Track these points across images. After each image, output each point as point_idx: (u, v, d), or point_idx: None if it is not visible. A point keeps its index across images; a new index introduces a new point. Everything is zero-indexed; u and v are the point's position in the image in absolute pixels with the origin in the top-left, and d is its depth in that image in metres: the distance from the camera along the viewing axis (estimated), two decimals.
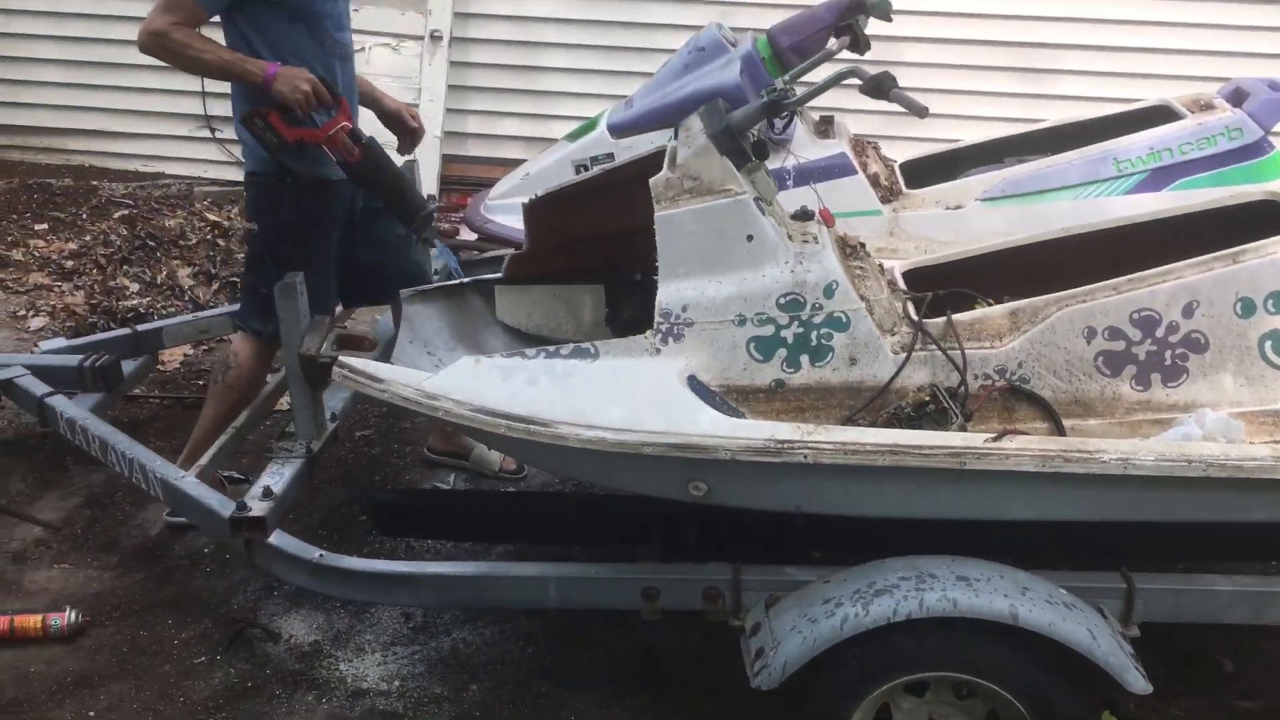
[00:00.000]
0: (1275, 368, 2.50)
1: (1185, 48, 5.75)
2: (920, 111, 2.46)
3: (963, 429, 2.45)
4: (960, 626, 2.29)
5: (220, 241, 5.64)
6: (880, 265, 2.85)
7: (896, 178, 3.89)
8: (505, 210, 4.04)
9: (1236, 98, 3.78)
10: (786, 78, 2.68)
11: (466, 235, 4.29)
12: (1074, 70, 5.87)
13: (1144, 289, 2.51)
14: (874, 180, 3.81)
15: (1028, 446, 2.33)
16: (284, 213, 3.24)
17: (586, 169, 3.87)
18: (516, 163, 5.26)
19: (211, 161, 6.50)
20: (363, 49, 5.50)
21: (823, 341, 2.53)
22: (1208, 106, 3.77)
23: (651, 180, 2.59)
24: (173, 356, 4.70)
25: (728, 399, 2.54)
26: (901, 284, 2.83)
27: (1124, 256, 2.93)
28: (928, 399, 2.50)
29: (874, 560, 2.45)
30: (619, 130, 3.98)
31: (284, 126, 3.09)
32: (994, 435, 2.36)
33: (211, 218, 5.85)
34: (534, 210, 2.98)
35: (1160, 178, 3.64)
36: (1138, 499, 2.35)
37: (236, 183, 5.47)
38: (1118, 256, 2.94)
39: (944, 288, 2.75)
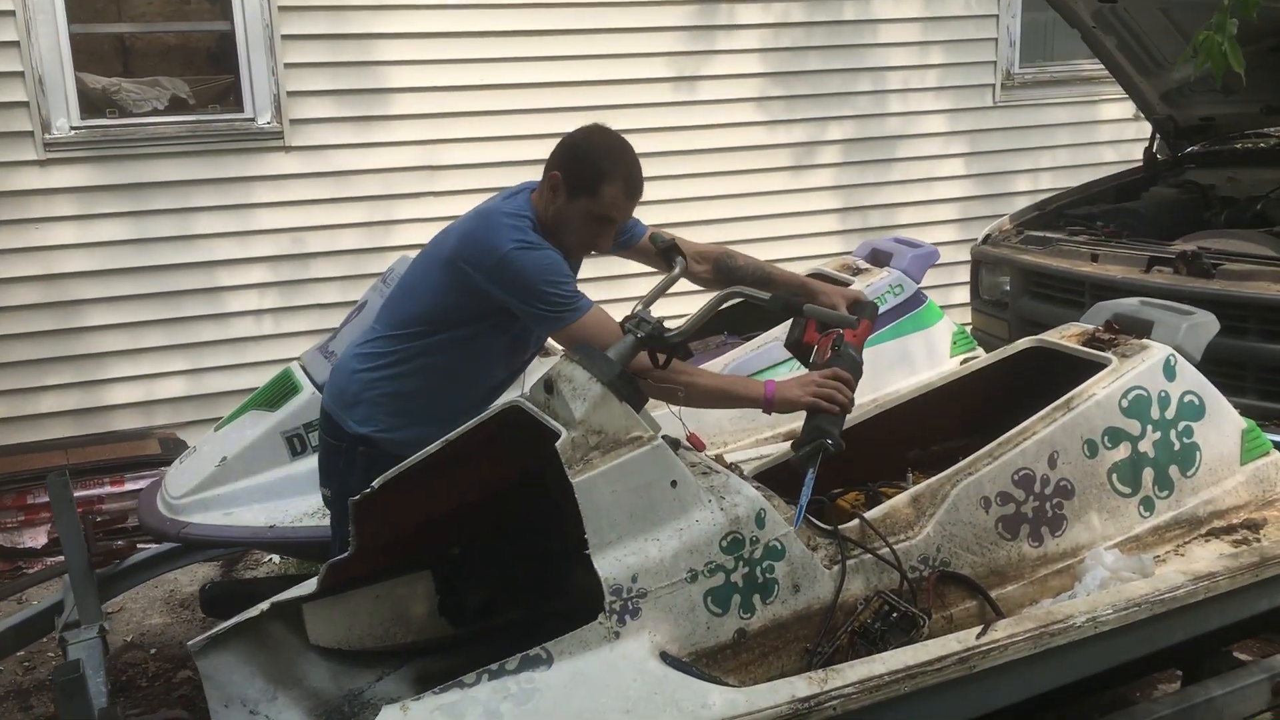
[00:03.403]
0: (1123, 496, 2.74)
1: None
2: (853, 323, 2.41)
3: (929, 628, 2.38)
4: None
5: None
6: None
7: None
8: (202, 508, 3.33)
9: (876, 258, 4.19)
10: (640, 306, 2.51)
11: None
12: None
13: (1014, 450, 2.63)
14: None
15: (1015, 632, 2.32)
16: None
17: (303, 440, 3.32)
18: (62, 444, 4.44)
19: None
20: None
21: (767, 576, 2.34)
22: (860, 270, 4.13)
23: (559, 445, 2.27)
24: None
25: (700, 667, 2.26)
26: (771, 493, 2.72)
27: (929, 425, 3.11)
28: (883, 607, 2.41)
29: None
30: None
31: None
32: (979, 629, 2.32)
33: None
34: (367, 505, 2.48)
35: None
36: (1099, 652, 2.43)
37: None
38: (923, 425, 3.10)
39: (795, 487, 2.70)
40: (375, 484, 2.44)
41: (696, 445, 2.59)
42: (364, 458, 2.83)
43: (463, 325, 2.82)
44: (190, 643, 2.44)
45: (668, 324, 2.44)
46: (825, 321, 2.61)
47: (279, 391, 3.50)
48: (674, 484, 2.30)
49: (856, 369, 2.65)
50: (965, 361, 4.01)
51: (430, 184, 5.71)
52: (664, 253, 2.85)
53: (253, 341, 5.42)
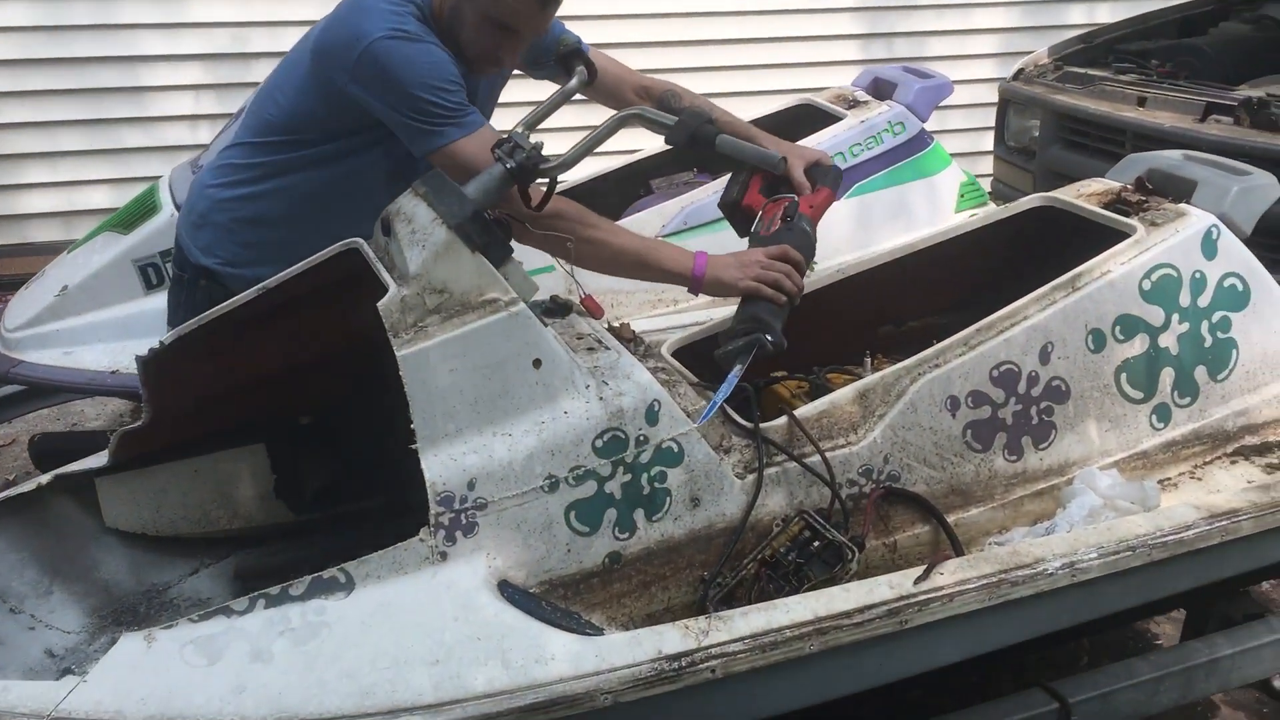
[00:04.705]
0: (1133, 402, 2.18)
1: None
2: (776, 165, 1.82)
3: (859, 563, 1.87)
4: None
5: None
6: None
7: None
8: (38, 344, 2.83)
9: (879, 90, 3.53)
10: (521, 126, 1.92)
11: None
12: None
13: (996, 339, 2.07)
14: None
15: (966, 578, 1.80)
16: None
17: (159, 271, 2.78)
18: None
19: None
20: None
21: (656, 486, 1.83)
22: (856, 103, 3.49)
23: (381, 307, 1.73)
24: None
25: (553, 599, 1.77)
26: (685, 371, 2.17)
27: (907, 295, 2.54)
28: (805, 531, 1.89)
29: None
30: None
31: None
32: (920, 572, 1.80)
33: None
34: (156, 364, 1.96)
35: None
36: (1076, 602, 1.91)
37: None
38: (900, 295, 2.53)
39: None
40: (164, 340, 1.92)
41: (592, 311, 2.04)
42: (204, 294, 2.30)
43: (329, 140, 2.24)
44: None
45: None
46: (754, 165, 2.01)
47: (137, 211, 2.94)
48: (537, 363, 1.77)
49: (809, 247, 2.07)
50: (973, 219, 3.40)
51: None
52: (563, 59, 2.23)
53: (186, 152, 4.83)
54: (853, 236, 3.26)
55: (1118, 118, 3.75)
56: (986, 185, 4.23)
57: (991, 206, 3.57)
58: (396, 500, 2.27)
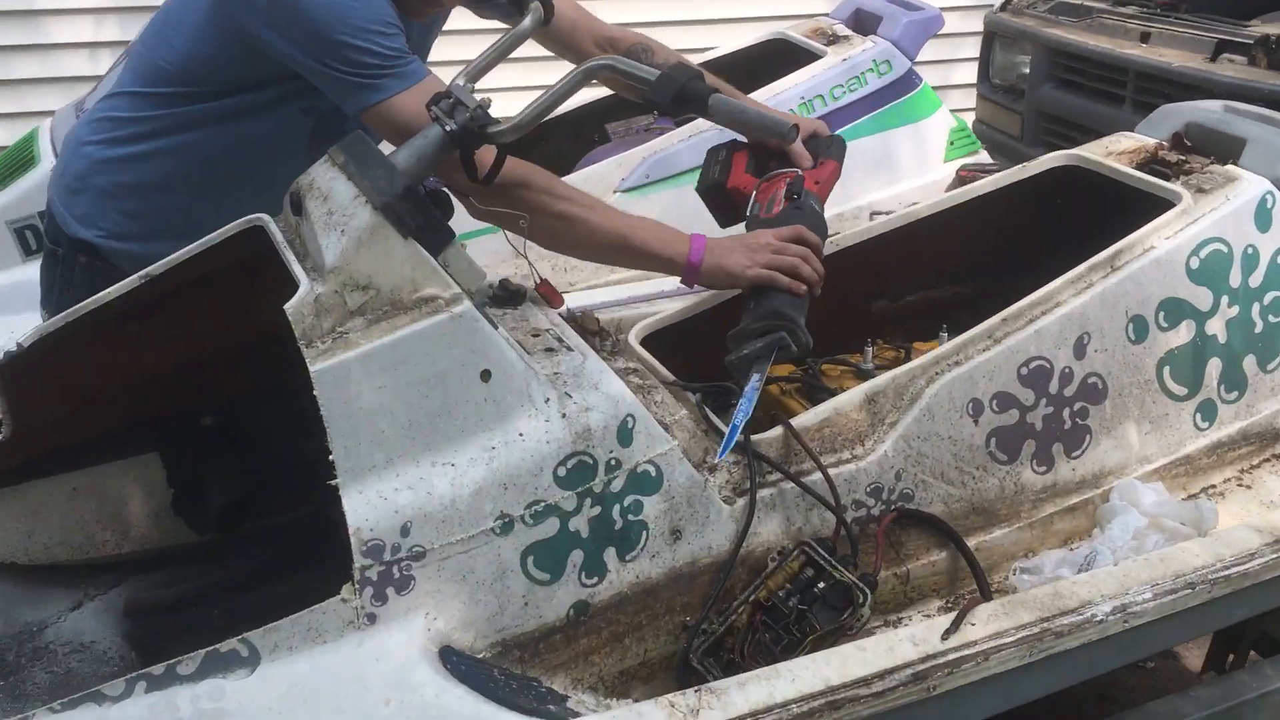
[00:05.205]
0: (1176, 399, 1.89)
1: None
2: (786, 133, 1.48)
3: (870, 607, 1.57)
4: None
5: None
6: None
7: None
8: None
9: (861, 23, 3.18)
10: (463, 79, 1.56)
11: None
12: None
13: (1025, 330, 1.76)
14: None
15: (1002, 629, 1.50)
16: None
17: (38, 232, 2.38)
18: None
19: None
20: None
21: (630, 518, 1.51)
22: (836, 38, 3.13)
23: (290, 310, 1.39)
24: None
25: (508, 663, 1.45)
26: (661, 368, 1.84)
27: (903, 265, 2.22)
28: (806, 568, 1.58)
29: None
30: None
31: None
32: (949, 624, 1.50)
33: None
34: (17, 368, 1.60)
35: None
36: (1121, 647, 1.63)
37: None
38: (895, 266, 2.21)
39: (709, 361, 1.82)
40: (23, 343, 1.56)
41: (549, 299, 1.71)
42: (84, 273, 1.93)
43: (235, 92, 1.86)
44: None
45: None
46: (758, 133, 1.65)
47: (11, 163, 2.52)
48: (486, 375, 1.43)
49: (823, 227, 1.75)
50: (964, 169, 3.08)
51: None
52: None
53: (87, 83, 4.37)
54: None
55: (1119, 55, 3.44)
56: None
57: (984, 155, 3.26)
58: (318, 513, 1.94)
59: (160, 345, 1.74)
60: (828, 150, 1.82)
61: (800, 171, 1.76)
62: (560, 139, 3.10)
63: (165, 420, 1.86)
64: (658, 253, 1.69)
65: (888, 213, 2.68)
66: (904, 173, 3.08)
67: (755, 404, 1.54)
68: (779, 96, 2.93)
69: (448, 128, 1.48)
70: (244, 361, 1.82)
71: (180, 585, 1.81)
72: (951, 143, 3.16)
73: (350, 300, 1.40)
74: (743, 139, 1.87)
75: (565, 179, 2.85)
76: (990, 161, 3.19)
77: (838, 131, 2.99)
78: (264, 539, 1.90)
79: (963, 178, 2.99)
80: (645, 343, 1.87)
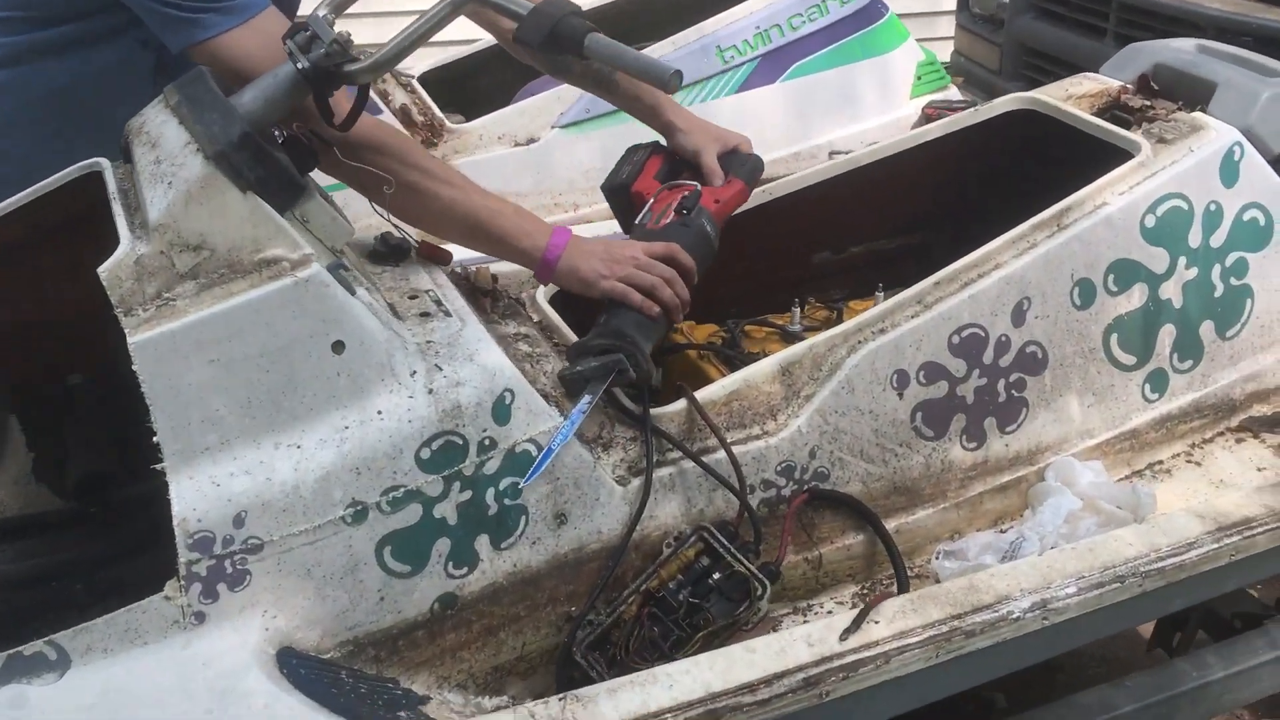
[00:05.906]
0: (1123, 369, 1.75)
1: None
2: (666, 81, 1.30)
3: (770, 599, 1.44)
4: None
5: None
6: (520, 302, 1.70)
7: (430, 108, 2.66)
8: None
9: None
10: (324, 9, 1.38)
11: None
12: None
13: (959, 295, 1.61)
14: (404, 117, 2.56)
15: (908, 628, 1.37)
16: None
17: None
18: None
19: None
20: None
21: (506, 503, 1.37)
22: None
23: (103, 273, 1.23)
24: None
25: (361, 663, 1.32)
26: (566, 330, 1.68)
27: (849, 214, 2.06)
28: (701, 557, 1.45)
29: None
30: None
31: None
32: (849, 622, 1.37)
33: None
34: None
35: (773, 65, 2.77)
36: (1041, 643, 1.50)
37: None
38: (840, 214, 2.05)
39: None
40: None
41: (434, 257, 1.55)
42: None
43: (72, 19, 1.66)
44: None
45: None
46: (640, 76, 1.45)
47: None
48: (339, 346, 1.28)
49: (707, 252, 1.58)
50: (931, 105, 2.90)
51: None
52: None
53: None
54: (788, 127, 2.76)
55: None
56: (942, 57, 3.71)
57: (953, 91, 3.07)
58: None
59: (9, 300, 1.59)
60: (740, 169, 1.66)
61: (699, 186, 1.60)
62: (500, 69, 2.91)
63: (26, 378, 1.71)
64: (513, 242, 1.51)
65: (847, 152, 2.52)
66: (867, 110, 2.90)
67: (578, 426, 1.38)
68: (733, 26, 2.74)
69: (299, 65, 1.30)
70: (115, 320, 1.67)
71: (40, 558, 1.67)
72: (919, 77, 2.97)
73: (179, 262, 1.24)
74: (664, 141, 1.72)
75: (500, 113, 2.69)
76: (959, 99, 3.01)
77: (798, 63, 2.82)
78: (135, 507, 1.76)
79: (929, 115, 2.82)
80: (555, 301, 1.73)
